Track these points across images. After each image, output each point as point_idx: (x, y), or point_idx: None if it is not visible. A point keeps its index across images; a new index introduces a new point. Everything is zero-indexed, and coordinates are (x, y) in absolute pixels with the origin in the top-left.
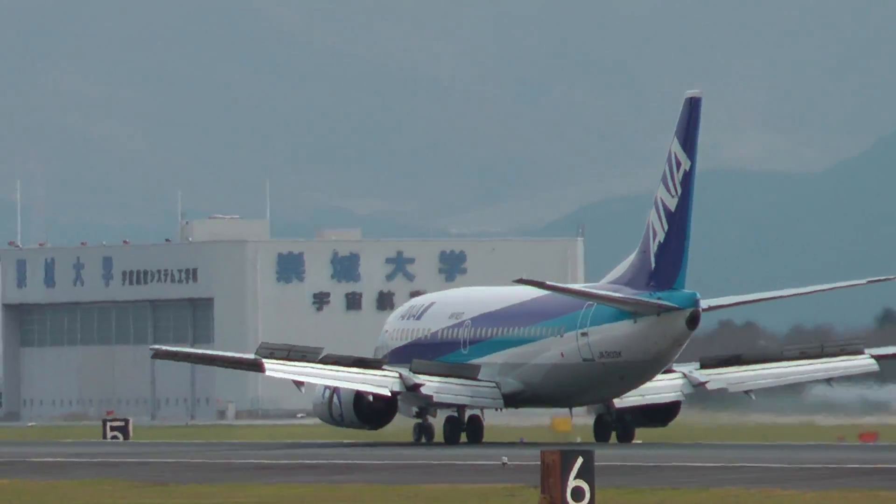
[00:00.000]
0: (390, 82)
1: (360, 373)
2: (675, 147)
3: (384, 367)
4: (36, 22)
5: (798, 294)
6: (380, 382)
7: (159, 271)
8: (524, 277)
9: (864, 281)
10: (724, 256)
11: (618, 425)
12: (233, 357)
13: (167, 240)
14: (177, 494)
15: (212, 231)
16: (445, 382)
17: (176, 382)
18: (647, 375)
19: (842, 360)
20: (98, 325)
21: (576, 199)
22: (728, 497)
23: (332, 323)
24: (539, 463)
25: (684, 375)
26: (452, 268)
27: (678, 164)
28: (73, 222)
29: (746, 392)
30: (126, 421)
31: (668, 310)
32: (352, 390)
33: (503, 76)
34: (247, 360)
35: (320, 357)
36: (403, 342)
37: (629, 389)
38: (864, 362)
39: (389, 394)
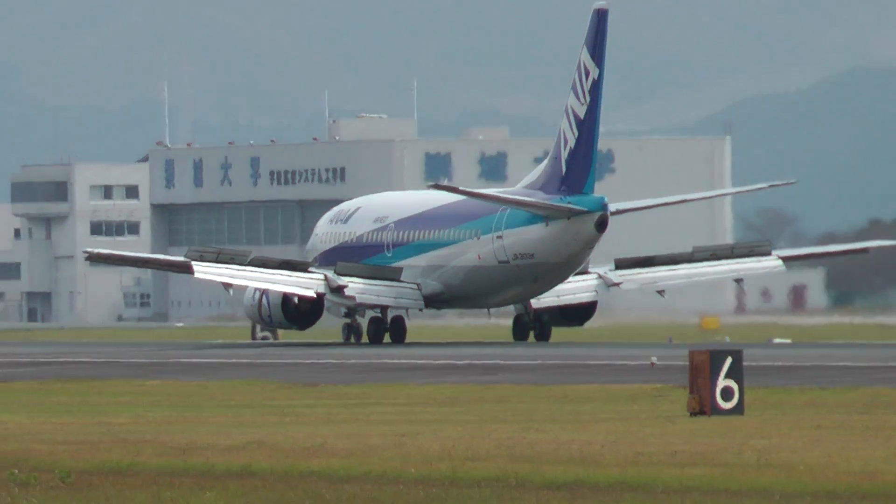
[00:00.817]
0: None
1: (286, 275)
2: (585, 56)
3: (310, 269)
4: None
5: (703, 198)
6: (305, 284)
7: (306, 171)
8: (440, 183)
9: (766, 185)
10: (873, 159)
11: (535, 325)
12: (163, 259)
13: (314, 139)
14: (327, 395)
15: (359, 130)
16: (368, 284)
17: None
18: (559, 277)
19: (750, 262)
20: (246, 225)
21: (724, 98)
22: (879, 396)
23: None
24: (687, 363)
25: (599, 276)
26: (601, 167)
27: (587, 73)
28: (220, 122)
29: (659, 292)
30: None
31: (578, 213)
32: (280, 292)
33: None
34: (176, 262)
35: (248, 259)
36: (331, 245)
37: (543, 291)
38: (771, 263)
39: (315, 295)
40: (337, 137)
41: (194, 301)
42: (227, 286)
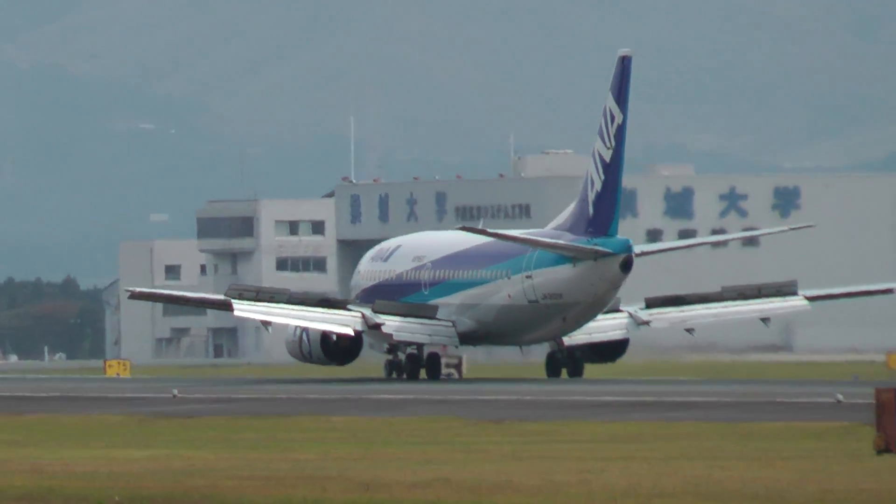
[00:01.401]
0: (727, 16)
1: (324, 312)
2: (610, 102)
3: (349, 307)
4: None
5: (720, 241)
6: (343, 322)
7: (492, 207)
8: (466, 226)
9: (786, 228)
10: None
11: (568, 362)
12: (203, 298)
13: (500, 175)
14: (512, 431)
15: (544, 166)
16: (405, 322)
17: None
18: (587, 316)
19: (777, 301)
20: None
21: None
22: None
23: (663, 258)
24: (874, 401)
25: (630, 315)
26: (786, 204)
27: (612, 118)
28: (406, 158)
29: (688, 330)
30: (459, 358)
31: (604, 255)
32: (319, 330)
33: (839, 11)
34: (216, 300)
35: (287, 297)
36: (373, 283)
37: (572, 329)
38: (797, 303)
39: (352, 332)
40: (522, 174)
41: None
42: (265, 324)
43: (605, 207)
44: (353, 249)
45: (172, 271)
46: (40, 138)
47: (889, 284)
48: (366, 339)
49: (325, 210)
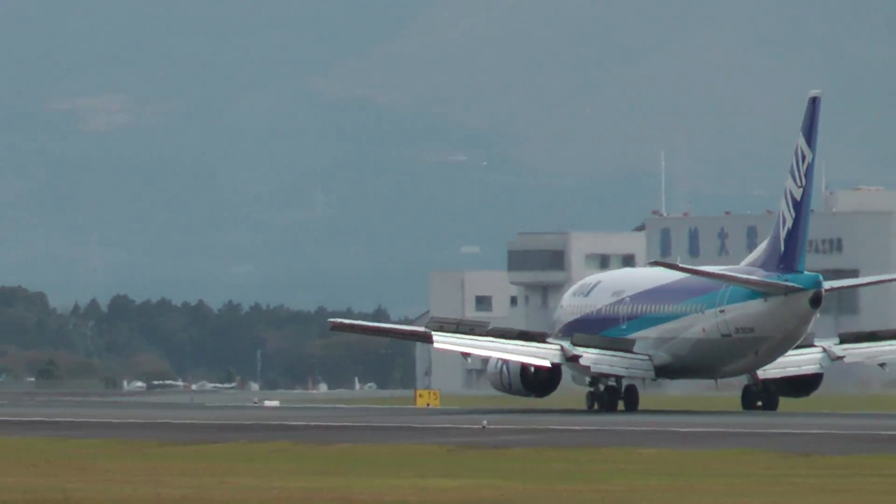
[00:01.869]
0: None
1: (523, 345)
2: (801, 142)
3: (547, 339)
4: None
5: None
6: (541, 354)
7: None
8: (659, 261)
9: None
10: None
11: (763, 395)
12: (404, 330)
13: (811, 210)
14: (820, 465)
15: (856, 202)
16: (602, 355)
17: None
18: (778, 350)
19: None
20: None
21: None
22: None
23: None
24: None
25: (824, 350)
26: None
27: (803, 158)
28: (716, 192)
29: (880, 365)
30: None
31: (795, 290)
32: (518, 362)
33: None
34: (418, 332)
35: (487, 330)
36: (574, 317)
37: (764, 363)
38: None
39: (550, 365)
40: (834, 209)
41: None
42: (465, 355)
43: (795, 244)
44: None
45: (483, 302)
46: (349, 169)
47: None
48: (568, 372)
49: (635, 243)
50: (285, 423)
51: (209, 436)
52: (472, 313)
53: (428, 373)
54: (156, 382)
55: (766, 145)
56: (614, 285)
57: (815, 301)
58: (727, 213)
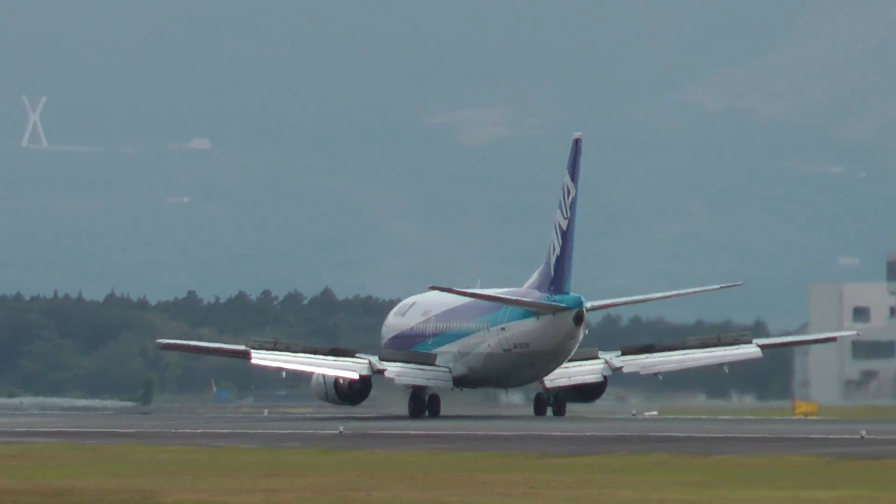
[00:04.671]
0: None
1: (334, 360)
2: (566, 179)
3: (356, 354)
4: None
5: (659, 298)
6: (350, 368)
7: None
8: (435, 285)
9: (716, 286)
10: None
11: (552, 402)
12: (223, 348)
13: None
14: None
15: None
16: (406, 367)
17: None
18: (552, 362)
19: (734, 349)
20: None
21: None
22: None
23: None
24: None
25: (605, 361)
26: None
27: (568, 193)
28: None
29: (655, 374)
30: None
31: (561, 310)
32: (332, 375)
33: None
34: (236, 350)
35: (301, 347)
36: (393, 333)
37: (541, 374)
38: (750, 350)
39: (357, 377)
40: None
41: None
42: (280, 370)
43: (563, 268)
44: None
45: (861, 314)
46: (726, 181)
47: (834, 333)
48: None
49: None
50: (664, 434)
51: (588, 447)
52: (849, 325)
53: (806, 384)
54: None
55: None
56: (424, 306)
57: (578, 319)
58: None
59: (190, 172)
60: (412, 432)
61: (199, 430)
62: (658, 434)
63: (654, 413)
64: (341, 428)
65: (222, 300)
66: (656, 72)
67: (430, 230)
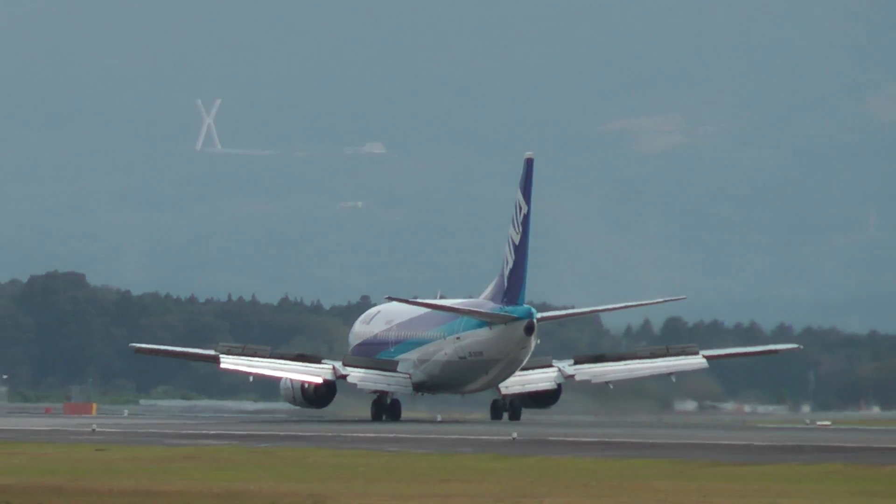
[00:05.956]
0: None
1: (300, 366)
2: (518, 197)
3: (322, 360)
4: None
5: (606, 310)
6: (315, 373)
7: None
8: (392, 296)
9: (660, 300)
10: None
11: (509, 407)
12: (194, 352)
13: None
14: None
15: None
16: (368, 373)
17: None
18: (505, 370)
19: (681, 359)
20: None
21: None
22: None
23: None
24: None
25: (559, 370)
26: None
27: (520, 209)
28: None
29: (606, 383)
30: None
31: (512, 320)
32: (298, 380)
33: None
34: (205, 354)
35: (269, 353)
36: (359, 341)
37: (497, 381)
38: (697, 361)
39: (321, 381)
40: None
41: None
42: (248, 374)
43: (516, 281)
44: None
45: None
46: None
47: (778, 346)
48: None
49: None
50: (837, 444)
51: (762, 457)
52: None
53: None
54: (707, 403)
55: None
56: (388, 315)
57: (529, 329)
58: None
59: (364, 176)
60: (585, 440)
61: (372, 435)
62: (831, 444)
63: (828, 423)
64: (514, 434)
65: None
66: (832, 82)
67: (607, 237)
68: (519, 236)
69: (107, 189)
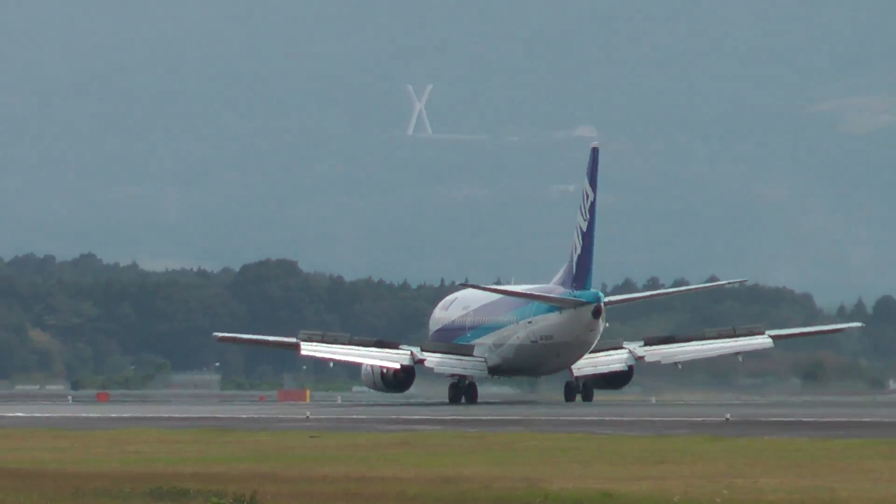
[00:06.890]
0: None
1: (378, 352)
2: (585, 185)
3: (400, 346)
4: None
5: (678, 292)
6: (393, 358)
7: None
8: (466, 283)
9: (724, 282)
10: None
11: (581, 389)
12: (275, 340)
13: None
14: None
15: None
16: (444, 358)
17: None
18: (575, 353)
19: (748, 340)
20: None
21: None
22: None
23: None
24: None
25: (629, 351)
26: None
27: (587, 197)
28: None
29: (675, 363)
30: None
31: (581, 304)
32: (378, 365)
33: None
34: (287, 342)
35: (348, 339)
36: (438, 326)
37: (566, 364)
38: (762, 341)
39: (399, 367)
40: None
41: None
42: (328, 360)
43: (584, 266)
44: None
45: None
46: None
47: (842, 325)
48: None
49: None
50: None
51: None
52: None
53: None
54: None
55: None
56: (464, 301)
57: (596, 312)
58: None
59: (575, 161)
60: (799, 419)
61: (586, 418)
62: None
63: None
64: (728, 415)
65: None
66: None
67: (818, 218)
68: (586, 223)
69: (319, 176)
